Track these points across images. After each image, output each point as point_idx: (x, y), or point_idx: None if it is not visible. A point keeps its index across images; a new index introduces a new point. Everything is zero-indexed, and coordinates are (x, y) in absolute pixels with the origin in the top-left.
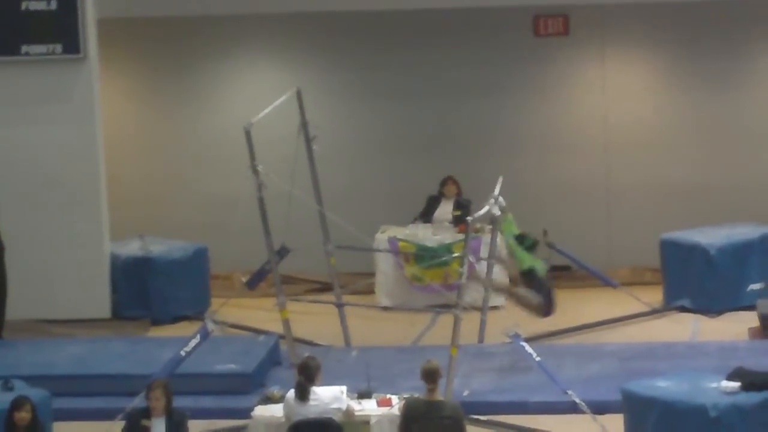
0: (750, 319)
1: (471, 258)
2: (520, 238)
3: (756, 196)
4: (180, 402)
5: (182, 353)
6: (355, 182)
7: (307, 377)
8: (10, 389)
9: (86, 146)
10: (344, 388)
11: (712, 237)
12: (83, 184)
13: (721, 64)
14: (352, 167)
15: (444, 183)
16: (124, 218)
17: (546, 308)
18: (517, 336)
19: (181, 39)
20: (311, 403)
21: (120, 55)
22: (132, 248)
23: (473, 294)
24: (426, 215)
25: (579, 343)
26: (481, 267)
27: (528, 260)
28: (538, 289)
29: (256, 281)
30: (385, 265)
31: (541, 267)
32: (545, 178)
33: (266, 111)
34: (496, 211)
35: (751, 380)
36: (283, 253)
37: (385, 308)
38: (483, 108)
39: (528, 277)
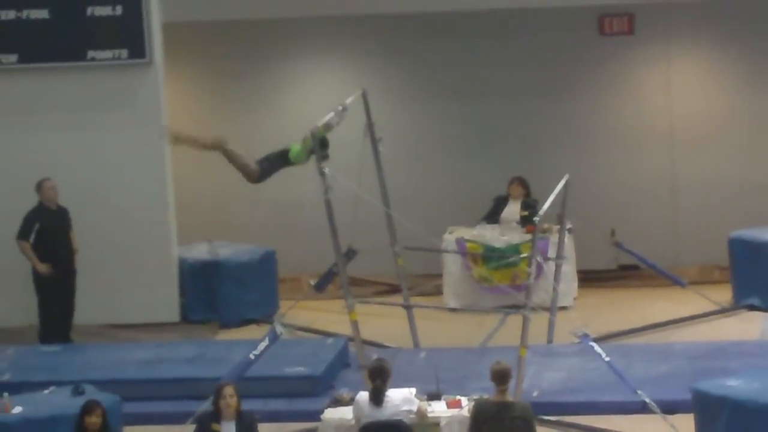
0: None
1: (539, 258)
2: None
3: None
4: (249, 405)
5: (251, 356)
6: (422, 183)
7: (383, 381)
8: (81, 394)
9: (153, 150)
10: (414, 389)
11: None
12: (151, 189)
13: None
14: (419, 168)
15: (511, 183)
16: (192, 222)
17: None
18: (586, 336)
19: (245, 42)
20: (384, 405)
21: (184, 59)
22: (200, 252)
23: (542, 294)
24: (493, 216)
25: (648, 343)
26: (549, 267)
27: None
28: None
29: (324, 283)
30: (452, 266)
31: (294, 152)
32: (612, 177)
33: (332, 114)
34: (334, 121)
35: None
36: (350, 255)
37: (453, 309)
38: (549, 107)
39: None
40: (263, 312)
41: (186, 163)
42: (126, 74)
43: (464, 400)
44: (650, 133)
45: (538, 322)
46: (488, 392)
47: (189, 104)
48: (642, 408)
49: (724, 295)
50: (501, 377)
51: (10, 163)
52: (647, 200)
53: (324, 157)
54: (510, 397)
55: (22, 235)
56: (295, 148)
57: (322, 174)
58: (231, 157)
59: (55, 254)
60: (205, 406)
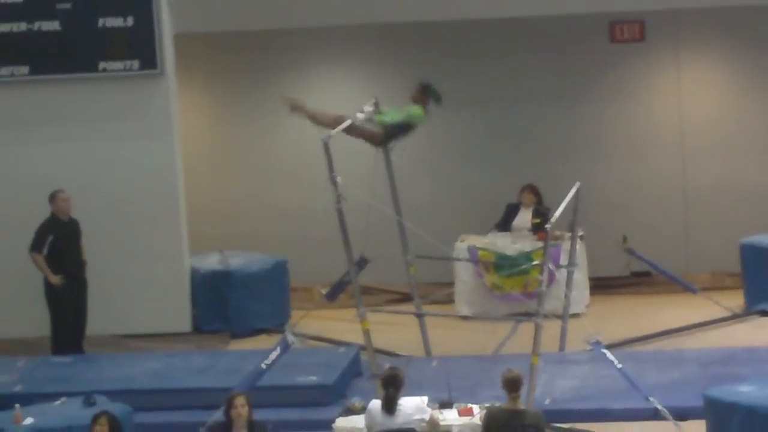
0: None
1: (551, 266)
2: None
3: None
4: (261, 415)
5: (263, 366)
6: (434, 192)
7: (395, 389)
8: (92, 404)
9: (165, 161)
10: (425, 398)
11: None
12: (162, 199)
13: None
14: (431, 177)
15: (522, 191)
16: (203, 232)
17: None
18: (597, 343)
19: (256, 53)
20: (396, 414)
21: (195, 70)
22: (211, 262)
23: (554, 302)
24: (505, 224)
25: (660, 350)
26: (561, 274)
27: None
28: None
29: (335, 293)
30: (464, 274)
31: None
32: (622, 184)
33: (345, 123)
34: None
35: None
36: (362, 264)
37: (465, 317)
38: (560, 115)
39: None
40: (275, 321)
41: (197, 173)
42: (137, 85)
43: (476, 408)
44: (661, 139)
45: (550, 329)
46: (500, 400)
47: (200, 115)
48: (654, 415)
49: (735, 301)
50: (513, 385)
51: (22, 175)
52: (658, 207)
53: (438, 99)
54: (522, 405)
55: (35, 247)
56: (414, 110)
57: (334, 183)
58: (357, 132)
59: (67, 266)
60: (217, 416)
